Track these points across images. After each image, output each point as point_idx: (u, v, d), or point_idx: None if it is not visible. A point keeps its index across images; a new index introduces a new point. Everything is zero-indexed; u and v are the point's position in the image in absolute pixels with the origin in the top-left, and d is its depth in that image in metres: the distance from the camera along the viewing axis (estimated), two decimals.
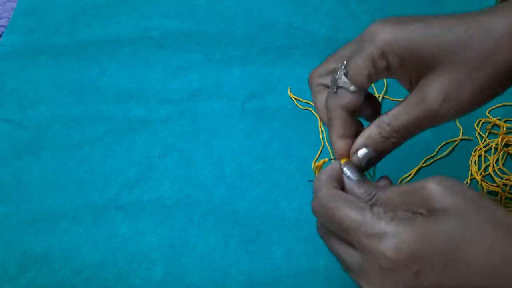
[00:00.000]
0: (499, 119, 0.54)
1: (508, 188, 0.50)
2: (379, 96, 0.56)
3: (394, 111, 0.32)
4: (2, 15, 0.68)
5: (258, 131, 0.55)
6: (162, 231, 0.49)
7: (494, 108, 0.55)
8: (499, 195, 0.49)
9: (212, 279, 0.46)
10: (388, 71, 0.31)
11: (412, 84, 0.32)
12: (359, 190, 0.31)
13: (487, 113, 0.54)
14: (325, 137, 0.54)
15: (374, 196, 0.30)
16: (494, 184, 0.50)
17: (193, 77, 0.60)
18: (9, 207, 0.51)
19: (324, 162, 0.36)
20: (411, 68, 0.31)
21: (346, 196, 0.30)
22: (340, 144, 0.34)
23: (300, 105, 0.56)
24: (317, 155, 0.53)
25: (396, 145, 0.33)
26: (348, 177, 0.32)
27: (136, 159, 0.54)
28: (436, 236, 0.26)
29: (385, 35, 0.30)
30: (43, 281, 0.47)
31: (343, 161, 0.33)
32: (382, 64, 0.30)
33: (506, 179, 0.50)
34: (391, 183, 0.33)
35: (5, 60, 0.62)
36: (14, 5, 0.68)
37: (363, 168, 0.33)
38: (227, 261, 0.47)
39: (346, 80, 0.32)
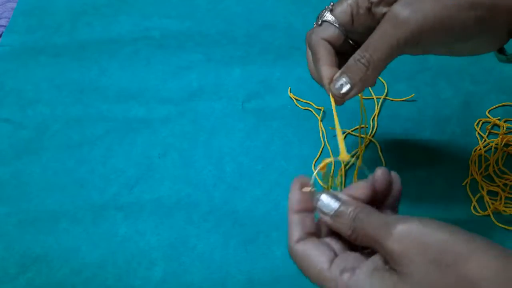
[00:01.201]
0: (499, 119, 0.54)
1: (508, 188, 0.50)
2: (379, 98, 0.56)
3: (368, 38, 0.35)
4: (2, 15, 0.68)
5: (258, 131, 0.55)
6: (162, 231, 0.49)
7: (494, 108, 0.55)
8: (499, 195, 0.49)
9: (212, 279, 0.46)
10: (368, 11, 0.36)
11: None
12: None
13: (487, 113, 0.54)
14: (325, 137, 0.54)
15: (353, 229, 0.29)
16: (494, 184, 0.50)
17: (193, 77, 0.60)
18: (9, 207, 0.51)
19: (326, 164, 0.35)
20: (389, 4, 0.34)
21: (311, 255, 0.30)
22: (328, 71, 0.36)
23: (300, 105, 0.57)
24: (317, 155, 0.53)
25: (368, 69, 0.34)
26: (324, 213, 0.31)
27: (136, 159, 0.54)
28: None
29: None
30: (43, 281, 0.47)
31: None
32: (364, 3, 0.36)
33: (506, 179, 0.50)
34: (388, 173, 0.32)
35: (5, 60, 0.62)
36: (14, 5, 0.68)
37: (340, 98, 0.36)
38: (227, 261, 0.47)
39: (330, 15, 0.36)
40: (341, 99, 0.36)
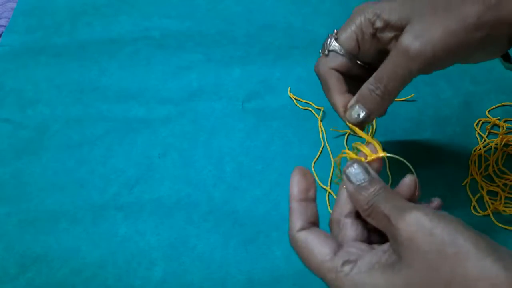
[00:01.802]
0: (498, 119, 0.54)
1: (508, 188, 0.50)
2: None
3: (380, 66, 0.35)
4: (2, 15, 0.68)
5: (258, 131, 0.55)
6: (162, 231, 0.49)
7: (494, 108, 0.55)
8: (499, 195, 0.49)
9: (212, 279, 0.46)
10: (373, 36, 0.36)
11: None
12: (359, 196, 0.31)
13: (487, 113, 0.54)
14: (325, 137, 0.54)
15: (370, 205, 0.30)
16: (494, 184, 0.50)
17: (193, 77, 0.60)
18: (9, 207, 0.51)
19: (341, 157, 0.35)
20: (394, 29, 0.35)
21: (313, 244, 0.30)
22: (341, 99, 0.37)
23: (300, 105, 0.57)
24: (317, 155, 0.53)
25: (382, 99, 0.35)
26: (350, 181, 0.32)
27: (136, 159, 0.54)
28: None
29: (373, 6, 0.36)
30: (43, 281, 0.47)
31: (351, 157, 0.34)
32: (369, 29, 0.36)
33: (506, 179, 0.50)
34: (441, 205, 0.33)
35: (5, 60, 0.62)
36: (14, 5, 0.68)
37: (358, 125, 0.36)
38: (227, 261, 0.47)
39: (336, 44, 0.37)
40: (358, 126, 0.37)
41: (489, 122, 0.54)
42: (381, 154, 0.33)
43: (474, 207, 0.49)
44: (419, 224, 0.26)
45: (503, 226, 0.48)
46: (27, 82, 0.60)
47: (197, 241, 0.48)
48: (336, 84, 0.37)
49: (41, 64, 0.62)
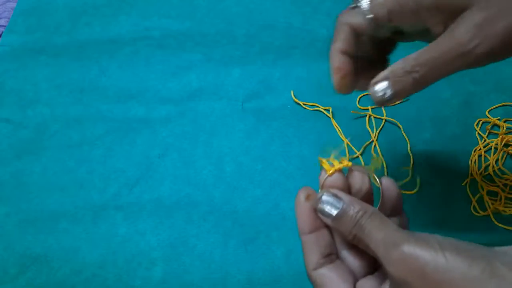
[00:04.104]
0: (499, 119, 0.54)
1: (508, 188, 0.50)
2: None
3: (423, 48, 0.31)
4: (2, 15, 0.68)
5: (258, 131, 0.55)
6: (162, 231, 0.49)
7: (494, 108, 0.55)
8: (499, 195, 0.49)
9: (212, 279, 0.46)
10: (414, 13, 0.31)
11: (444, 28, 0.31)
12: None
13: (487, 113, 0.54)
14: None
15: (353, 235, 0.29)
16: (494, 184, 0.50)
17: (193, 77, 0.60)
18: (9, 207, 0.51)
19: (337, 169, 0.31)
20: (446, 11, 0.30)
21: (330, 284, 0.29)
22: (338, 59, 0.33)
23: (307, 106, 0.56)
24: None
25: (416, 84, 0.31)
26: (325, 215, 0.29)
27: (136, 159, 0.54)
28: None
29: None
30: (43, 281, 0.47)
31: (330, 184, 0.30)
32: (408, 5, 0.31)
33: (506, 179, 0.50)
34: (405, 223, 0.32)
35: (5, 60, 0.62)
36: (14, 5, 0.68)
37: (378, 103, 0.32)
38: (227, 261, 0.47)
39: (367, 5, 0.32)
40: (379, 105, 0.33)
41: (489, 122, 0.54)
42: (343, 164, 0.31)
43: (474, 207, 0.49)
44: (407, 264, 0.25)
45: (503, 226, 0.48)
46: (27, 82, 0.60)
47: (197, 241, 0.48)
48: (343, 40, 0.33)
49: (41, 64, 0.61)
